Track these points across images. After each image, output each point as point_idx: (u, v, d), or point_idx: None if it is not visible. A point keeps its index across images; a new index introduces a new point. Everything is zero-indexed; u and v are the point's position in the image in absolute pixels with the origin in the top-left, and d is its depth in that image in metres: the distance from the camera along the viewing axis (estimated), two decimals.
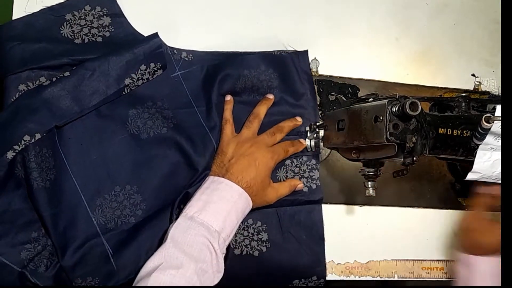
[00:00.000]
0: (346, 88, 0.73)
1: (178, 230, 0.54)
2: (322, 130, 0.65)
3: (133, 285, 0.50)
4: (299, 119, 0.67)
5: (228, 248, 0.61)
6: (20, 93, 0.58)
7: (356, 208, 0.71)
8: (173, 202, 0.61)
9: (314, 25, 0.73)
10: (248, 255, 0.64)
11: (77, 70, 0.58)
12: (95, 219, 0.58)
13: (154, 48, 0.61)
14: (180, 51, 0.66)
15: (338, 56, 0.74)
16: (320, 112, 0.70)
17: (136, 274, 0.53)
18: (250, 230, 0.65)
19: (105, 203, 0.59)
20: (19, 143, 0.55)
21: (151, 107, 0.63)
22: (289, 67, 0.68)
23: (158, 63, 0.62)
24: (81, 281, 0.56)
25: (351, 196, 0.71)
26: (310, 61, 0.71)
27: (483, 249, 0.62)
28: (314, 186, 0.67)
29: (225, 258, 0.59)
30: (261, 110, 0.66)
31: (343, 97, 0.64)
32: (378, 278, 0.70)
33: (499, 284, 0.58)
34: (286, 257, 0.65)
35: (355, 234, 0.70)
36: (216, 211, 0.56)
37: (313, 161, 0.68)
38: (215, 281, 0.54)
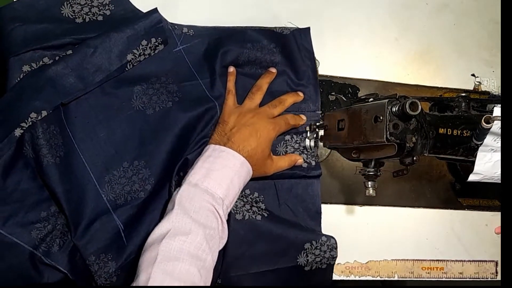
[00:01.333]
0: (346, 88, 0.73)
1: (184, 197, 0.54)
2: (322, 130, 0.65)
3: (142, 252, 0.51)
4: (300, 94, 0.67)
5: (229, 214, 0.62)
6: (24, 74, 0.58)
7: (356, 208, 0.71)
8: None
9: (314, 25, 0.73)
10: (250, 219, 0.64)
11: (79, 48, 0.59)
12: (105, 196, 0.59)
13: (154, 23, 0.62)
14: (180, 26, 0.67)
15: (338, 56, 0.74)
16: (320, 112, 0.70)
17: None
18: (248, 198, 0.65)
19: (114, 179, 0.60)
20: (26, 121, 0.55)
21: (155, 82, 0.63)
22: (291, 44, 0.68)
23: (159, 38, 0.63)
24: (94, 258, 0.57)
25: (351, 196, 0.71)
26: (315, 64, 0.72)
27: None
28: (313, 163, 0.67)
29: (228, 224, 0.60)
30: (264, 82, 0.66)
31: (343, 97, 0.64)
32: (378, 278, 0.70)
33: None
34: (283, 227, 0.65)
35: (355, 234, 0.70)
36: (220, 178, 0.56)
37: (314, 136, 0.68)
38: (220, 246, 0.56)
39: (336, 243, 0.66)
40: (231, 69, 0.66)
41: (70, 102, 0.58)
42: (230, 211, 0.62)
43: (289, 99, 0.66)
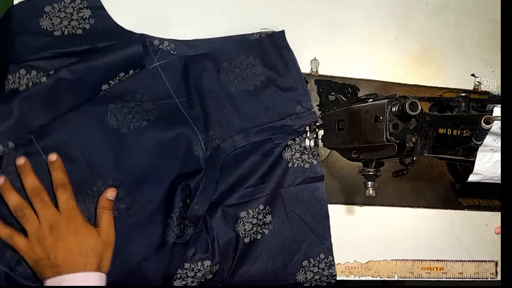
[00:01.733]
0: (346, 88, 0.73)
1: None
2: (322, 130, 0.65)
3: None
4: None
5: (238, 238, 0.62)
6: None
7: (356, 208, 0.71)
8: (172, 195, 0.62)
9: (314, 25, 0.73)
10: (253, 240, 0.64)
11: (53, 76, 0.58)
12: None
13: (136, 58, 0.62)
14: (161, 40, 0.65)
15: (338, 56, 0.74)
16: (320, 112, 0.70)
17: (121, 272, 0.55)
18: (260, 216, 0.65)
19: (88, 199, 0.59)
20: None
21: (130, 100, 0.62)
22: (270, 49, 0.68)
23: (137, 69, 0.62)
24: None
25: (351, 196, 0.71)
26: (310, 61, 0.72)
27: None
28: (315, 162, 0.67)
29: (235, 250, 0.63)
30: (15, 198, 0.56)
31: (343, 97, 0.64)
32: (378, 278, 0.70)
33: None
34: (291, 237, 0.65)
35: (355, 234, 0.70)
36: None
37: (314, 136, 0.68)
38: None
39: (333, 260, 0.66)
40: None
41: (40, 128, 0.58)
42: (239, 235, 0.63)
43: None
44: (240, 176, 0.65)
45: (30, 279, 0.55)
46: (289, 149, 0.67)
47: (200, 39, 0.67)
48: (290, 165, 0.67)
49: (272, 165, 0.66)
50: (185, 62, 0.65)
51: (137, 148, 0.61)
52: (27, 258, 0.54)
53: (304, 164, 0.67)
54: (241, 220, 0.64)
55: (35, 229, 0.54)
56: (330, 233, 0.67)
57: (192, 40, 0.67)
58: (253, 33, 0.69)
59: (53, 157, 0.57)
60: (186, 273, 0.61)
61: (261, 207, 0.65)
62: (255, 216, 0.65)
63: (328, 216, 0.67)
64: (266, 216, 0.65)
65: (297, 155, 0.67)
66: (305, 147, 0.67)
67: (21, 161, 0.56)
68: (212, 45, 0.67)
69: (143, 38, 0.64)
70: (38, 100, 0.57)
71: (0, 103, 0.56)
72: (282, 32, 0.69)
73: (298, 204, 0.66)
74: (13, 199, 0.55)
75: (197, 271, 0.61)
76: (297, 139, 0.67)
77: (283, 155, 0.67)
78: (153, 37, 0.65)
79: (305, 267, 0.65)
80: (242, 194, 0.65)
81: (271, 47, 0.68)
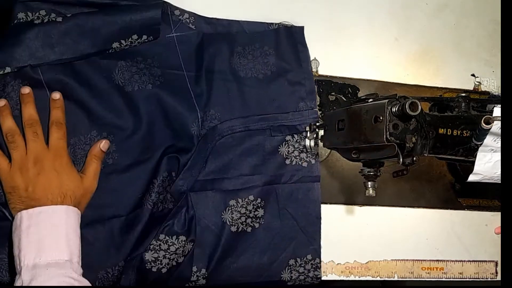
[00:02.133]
0: (346, 88, 0.73)
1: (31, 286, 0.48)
2: (322, 130, 0.65)
3: None
4: (26, 89, 0.59)
5: (224, 225, 0.62)
6: (17, 21, 0.59)
7: (356, 208, 0.71)
8: (159, 163, 0.62)
9: (314, 25, 0.73)
10: (242, 231, 0.64)
11: (69, 19, 0.59)
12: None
13: (152, 23, 0.62)
14: (182, 11, 0.66)
15: (338, 56, 0.74)
16: (320, 112, 0.70)
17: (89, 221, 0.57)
18: (250, 207, 0.65)
19: (78, 144, 0.60)
20: None
21: (140, 62, 0.63)
22: (286, 42, 0.68)
23: (151, 37, 0.62)
24: None
25: (351, 196, 0.71)
26: (310, 60, 0.72)
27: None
28: (313, 162, 0.67)
29: (221, 235, 0.63)
30: (8, 123, 0.57)
31: (343, 97, 0.64)
32: (378, 278, 0.70)
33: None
34: (280, 234, 0.65)
35: (355, 234, 0.70)
36: (55, 242, 0.51)
37: (314, 136, 0.68)
38: None
39: (320, 262, 0.66)
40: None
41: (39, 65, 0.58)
42: (225, 223, 0.63)
43: (30, 111, 0.57)
44: (232, 161, 0.65)
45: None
46: (286, 145, 0.67)
47: (219, 19, 0.68)
48: (287, 162, 0.67)
49: (266, 157, 0.66)
50: (201, 39, 0.66)
51: (137, 110, 0.62)
52: (4, 183, 0.55)
53: (302, 163, 0.67)
54: (230, 208, 0.64)
55: (20, 157, 0.55)
56: (320, 235, 0.67)
57: (212, 18, 0.67)
58: (272, 23, 0.69)
59: (56, 95, 0.58)
60: (159, 245, 0.61)
61: (251, 197, 0.65)
62: (243, 206, 0.65)
63: (320, 218, 0.67)
64: (258, 209, 0.65)
65: (296, 153, 0.67)
66: (304, 146, 0.67)
67: (26, 90, 0.57)
68: (230, 27, 0.68)
69: (165, 6, 0.64)
70: (51, 38, 0.58)
71: (12, 32, 0.57)
72: (302, 27, 0.69)
73: (292, 202, 0.66)
74: (7, 122, 0.56)
75: (171, 244, 0.61)
76: (296, 136, 0.67)
77: (279, 149, 0.67)
78: (175, 6, 0.65)
79: (291, 266, 0.65)
80: (233, 182, 0.65)
81: (287, 40, 0.68)
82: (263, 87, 0.67)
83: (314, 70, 0.72)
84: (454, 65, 0.78)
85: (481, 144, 0.53)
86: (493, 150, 0.54)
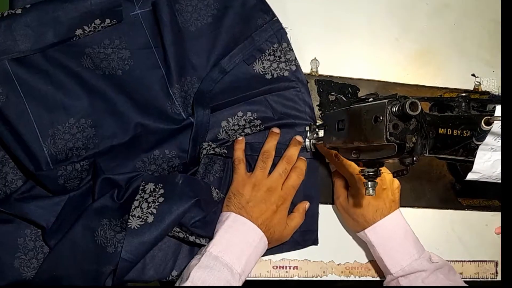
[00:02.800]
0: (346, 88, 0.73)
1: (202, 269, 0.54)
2: (322, 130, 0.65)
3: None
4: (300, 139, 0.67)
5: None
6: None
7: None
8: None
9: (314, 25, 0.73)
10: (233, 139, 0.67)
11: (29, 10, 0.58)
12: (47, 150, 0.58)
13: (113, 6, 0.61)
14: None
15: (338, 56, 0.74)
16: (320, 112, 0.70)
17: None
18: (242, 122, 0.66)
19: (58, 134, 0.59)
20: None
21: (107, 46, 0.62)
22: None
23: (114, 20, 0.62)
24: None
25: None
26: (310, 61, 0.72)
27: (366, 219, 0.64)
28: (293, 68, 0.68)
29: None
30: (271, 146, 0.65)
31: (343, 97, 0.64)
32: (378, 278, 0.70)
33: (401, 237, 0.62)
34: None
35: (355, 234, 0.70)
36: (239, 253, 0.57)
37: (284, 44, 0.68)
38: None
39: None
40: (240, 138, 0.66)
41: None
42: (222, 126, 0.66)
43: (295, 154, 0.66)
44: (222, 98, 0.66)
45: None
46: (259, 62, 0.67)
47: None
48: (268, 76, 0.67)
49: (247, 81, 0.67)
50: (167, 10, 0.64)
51: (112, 92, 0.61)
52: (235, 183, 0.63)
53: (283, 73, 0.68)
54: (223, 129, 0.66)
55: (261, 177, 0.63)
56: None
57: None
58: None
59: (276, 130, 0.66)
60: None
61: (240, 114, 0.66)
62: (235, 123, 0.66)
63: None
64: (254, 121, 0.66)
65: (274, 65, 0.68)
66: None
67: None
68: None
69: None
70: (13, 30, 0.57)
71: None
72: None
73: (284, 100, 0.68)
74: (270, 144, 0.65)
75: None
76: (267, 51, 0.68)
77: (254, 67, 0.67)
78: None
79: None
80: (223, 105, 0.66)
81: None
82: (217, 28, 0.67)
83: (314, 70, 0.72)
84: (454, 65, 0.78)
85: (481, 144, 0.53)
86: (493, 149, 0.54)
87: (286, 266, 0.68)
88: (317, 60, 0.72)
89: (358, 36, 0.75)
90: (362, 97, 0.60)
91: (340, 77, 0.73)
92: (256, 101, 0.67)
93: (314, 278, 0.68)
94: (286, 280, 0.68)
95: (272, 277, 0.67)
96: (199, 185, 0.61)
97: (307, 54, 0.71)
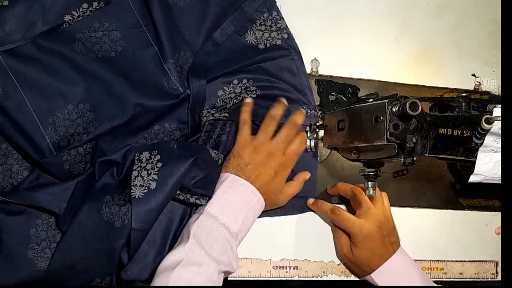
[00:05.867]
0: (346, 88, 0.73)
1: (201, 227, 0.55)
2: (322, 130, 0.65)
3: (154, 276, 0.51)
4: (284, 100, 0.66)
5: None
6: None
7: None
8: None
9: (314, 25, 0.73)
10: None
11: (16, 0, 0.58)
12: (48, 138, 0.59)
13: None
14: None
15: (338, 56, 0.74)
16: (320, 112, 0.70)
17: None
18: (238, 89, 0.67)
19: (58, 122, 0.59)
20: None
21: (98, 29, 0.62)
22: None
23: (102, 3, 0.62)
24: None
25: None
26: (310, 61, 0.72)
27: (363, 266, 0.64)
28: (286, 36, 0.69)
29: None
30: (277, 112, 0.65)
31: (343, 97, 0.64)
32: None
33: (407, 276, 0.63)
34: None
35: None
36: (237, 213, 0.57)
37: (274, 13, 0.68)
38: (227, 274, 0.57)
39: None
40: (248, 100, 0.66)
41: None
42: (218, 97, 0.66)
43: (299, 120, 0.65)
44: (217, 71, 0.66)
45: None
46: (251, 33, 0.67)
47: None
48: (261, 46, 0.68)
49: (240, 52, 0.67)
50: None
51: (107, 74, 0.61)
52: (237, 145, 0.62)
53: (276, 42, 0.68)
54: (220, 97, 0.67)
55: (263, 141, 0.62)
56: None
57: None
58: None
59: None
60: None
61: (236, 81, 0.67)
62: (232, 91, 0.67)
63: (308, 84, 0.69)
64: (252, 87, 0.67)
65: (266, 35, 0.68)
66: (270, 26, 0.68)
67: (284, 101, 0.66)
68: None
69: None
70: (2, 22, 0.57)
71: None
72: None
73: (278, 68, 0.68)
74: (278, 110, 0.64)
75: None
76: (257, 21, 0.68)
77: (246, 38, 0.67)
78: None
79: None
80: (218, 77, 0.66)
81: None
82: (206, 0, 0.67)
83: (314, 70, 0.72)
84: (454, 65, 0.78)
85: (481, 144, 0.53)
86: (493, 150, 0.54)
87: (286, 266, 0.68)
88: (317, 60, 0.72)
89: (358, 36, 0.75)
90: (362, 97, 0.60)
91: (340, 77, 0.73)
92: (251, 70, 0.67)
93: (314, 278, 0.68)
94: (286, 280, 0.68)
95: (272, 277, 0.67)
96: (195, 146, 0.62)
97: (307, 54, 0.71)
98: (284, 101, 0.66)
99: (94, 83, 0.61)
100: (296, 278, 0.68)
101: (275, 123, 0.64)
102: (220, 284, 0.54)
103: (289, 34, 0.68)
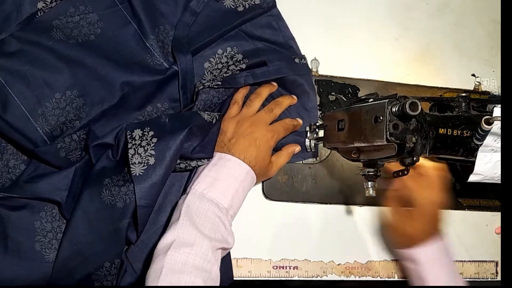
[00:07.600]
0: (346, 88, 0.73)
1: (190, 207, 0.54)
2: (322, 131, 0.65)
3: (151, 262, 0.51)
4: (294, 97, 0.67)
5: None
6: None
7: (356, 208, 0.71)
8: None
9: (314, 25, 0.73)
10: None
11: None
12: (40, 129, 0.58)
13: None
14: None
15: (338, 56, 0.74)
16: (320, 112, 0.70)
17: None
18: (226, 58, 0.67)
19: (47, 112, 0.59)
20: None
21: (74, 14, 0.62)
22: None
23: None
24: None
25: (351, 196, 0.71)
26: (310, 61, 0.72)
27: (414, 239, 0.63)
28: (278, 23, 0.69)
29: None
30: (264, 91, 0.65)
31: (343, 97, 0.64)
32: (378, 278, 0.70)
33: (448, 264, 0.62)
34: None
35: (355, 234, 0.70)
36: (225, 189, 0.57)
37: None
38: (224, 254, 0.57)
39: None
40: (247, 86, 0.66)
41: None
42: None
43: (285, 101, 0.66)
44: (199, 40, 0.66)
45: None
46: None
47: None
48: (240, 9, 0.67)
49: (220, 18, 0.67)
50: None
51: (90, 57, 0.61)
52: (222, 124, 0.62)
53: (254, 1, 0.68)
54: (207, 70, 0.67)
55: (246, 114, 0.63)
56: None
57: None
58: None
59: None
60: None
61: (220, 51, 0.67)
62: (218, 62, 0.67)
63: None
64: (237, 55, 0.67)
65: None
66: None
67: (275, 84, 0.67)
68: None
69: None
70: None
71: None
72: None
73: (258, 27, 0.68)
74: (265, 91, 0.65)
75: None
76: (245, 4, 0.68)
77: (224, 3, 0.67)
78: None
79: None
80: (202, 47, 0.66)
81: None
82: None
83: (314, 70, 0.72)
84: (454, 65, 0.78)
85: (481, 144, 0.53)
86: (493, 150, 0.54)
87: (286, 266, 0.68)
88: (317, 60, 0.72)
89: (358, 36, 0.75)
90: (362, 97, 0.60)
91: (340, 77, 0.73)
92: (232, 36, 0.67)
93: (314, 278, 0.68)
94: (286, 280, 0.68)
95: (272, 277, 0.67)
96: (186, 115, 0.61)
97: (307, 54, 0.71)
98: (275, 84, 0.67)
99: (79, 69, 0.60)
100: (296, 278, 0.68)
101: (261, 100, 0.64)
102: (218, 261, 0.53)
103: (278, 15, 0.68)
